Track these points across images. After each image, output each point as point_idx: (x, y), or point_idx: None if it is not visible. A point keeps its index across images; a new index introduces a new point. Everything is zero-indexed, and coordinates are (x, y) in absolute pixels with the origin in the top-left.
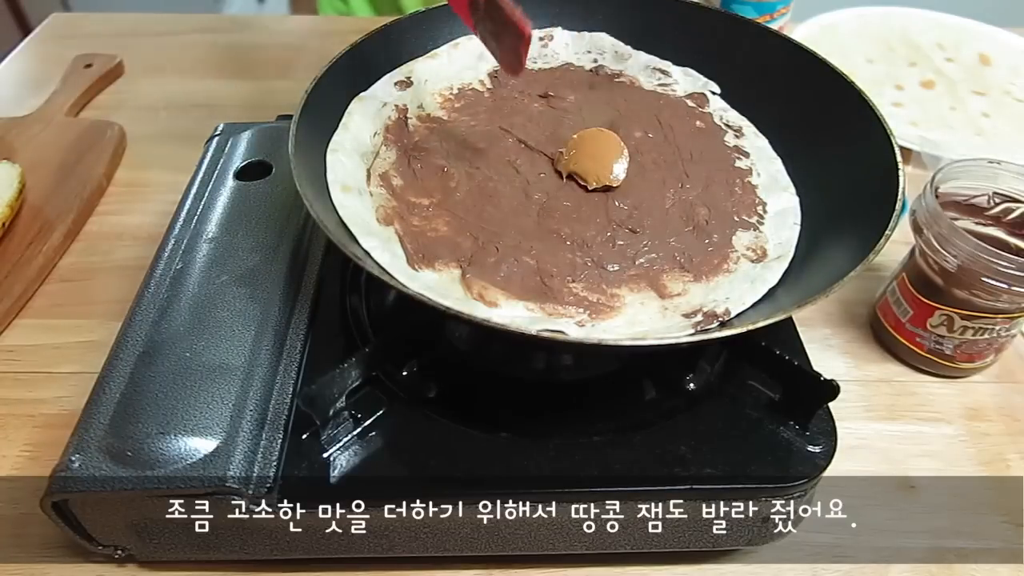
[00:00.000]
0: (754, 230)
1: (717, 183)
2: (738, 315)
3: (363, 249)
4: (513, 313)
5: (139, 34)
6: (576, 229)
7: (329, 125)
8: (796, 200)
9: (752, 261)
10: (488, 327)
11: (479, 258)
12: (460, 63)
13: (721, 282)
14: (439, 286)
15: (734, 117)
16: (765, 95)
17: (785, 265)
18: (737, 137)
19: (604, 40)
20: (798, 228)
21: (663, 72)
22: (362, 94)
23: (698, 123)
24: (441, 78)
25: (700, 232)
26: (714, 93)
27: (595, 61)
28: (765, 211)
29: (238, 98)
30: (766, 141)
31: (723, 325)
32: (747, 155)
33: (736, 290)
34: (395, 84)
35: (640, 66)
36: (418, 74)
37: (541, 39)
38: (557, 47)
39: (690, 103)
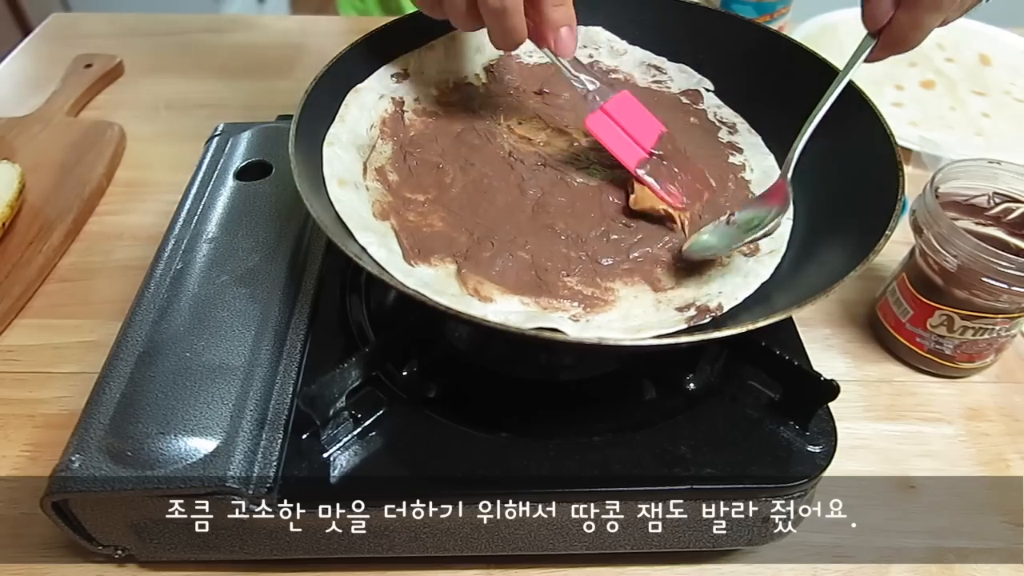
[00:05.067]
0: None
1: (710, 178)
2: (731, 310)
3: (359, 245)
4: (508, 308)
5: (139, 34)
6: (571, 224)
7: (329, 125)
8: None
9: (745, 255)
10: (482, 325)
11: (474, 253)
12: (457, 56)
13: (714, 276)
14: (435, 282)
15: (728, 114)
16: (764, 95)
17: (777, 260)
18: (731, 133)
19: (600, 35)
20: (790, 223)
21: (657, 68)
22: (358, 86)
23: (692, 120)
24: (438, 71)
25: (693, 226)
26: (708, 90)
27: (590, 56)
28: None
29: (238, 98)
30: (759, 138)
31: (718, 323)
32: (740, 151)
33: (729, 284)
34: (392, 76)
35: (635, 62)
36: (415, 66)
37: None
38: None
39: (684, 100)
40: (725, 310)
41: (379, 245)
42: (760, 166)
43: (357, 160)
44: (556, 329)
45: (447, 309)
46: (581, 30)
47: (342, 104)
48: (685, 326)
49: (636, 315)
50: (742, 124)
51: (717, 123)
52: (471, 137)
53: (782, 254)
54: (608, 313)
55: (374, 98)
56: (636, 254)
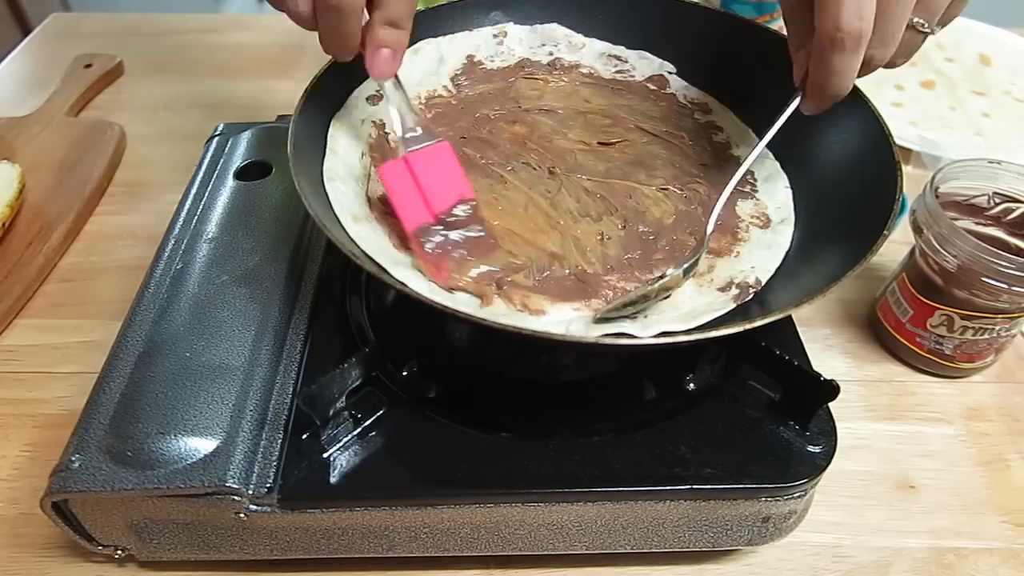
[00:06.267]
0: (751, 198)
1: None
2: (767, 284)
3: (399, 281)
4: (563, 317)
5: (139, 34)
6: (592, 224)
7: (328, 126)
8: (778, 164)
9: (760, 227)
10: (546, 338)
11: (508, 267)
12: (421, 70)
13: (741, 252)
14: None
15: (696, 94)
16: (762, 95)
17: (791, 228)
18: (705, 114)
19: (557, 31)
20: (790, 191)
21: (618, 58)
22: (338, 113)
23: (664, 104)
24: (407, 86)
25: (705, 207)
26: (671, 73)
27: (550, 54)
28: (755, 178)
29: (238, 98)
30: (731, 112)
31: (746, 316)
32: (721, 129)
33: (758, 258)
34: (367, 99)
35: (595, 54)
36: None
37: (496, 36)
38: (511, 43)
39: (651, 87)
40: (763, 283)
41: (417, 278)
42: (742, 139)
43: (359, 192)
44: (624, 333)
45: (534, 333)
46: (538, 28)
47: (328, 135)
48: (734, 305)
49: (685, 302)
50: (713, 102)
51: (689, 105)
52: (462, 151)
53: (793, 222)
54: (659, 304)
55: (356, 124)
56: (663, 242)
